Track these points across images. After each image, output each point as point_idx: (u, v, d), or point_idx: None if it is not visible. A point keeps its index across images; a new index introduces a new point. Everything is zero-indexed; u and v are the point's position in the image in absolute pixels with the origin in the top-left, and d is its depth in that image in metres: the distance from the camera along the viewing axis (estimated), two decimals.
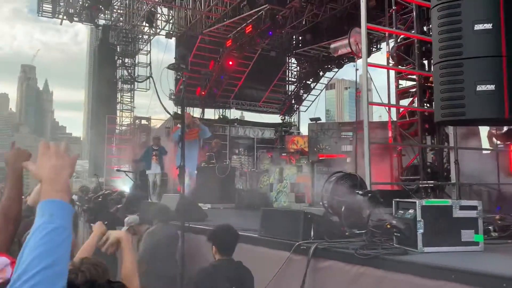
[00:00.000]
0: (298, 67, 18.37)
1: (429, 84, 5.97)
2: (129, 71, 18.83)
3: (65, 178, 1.11)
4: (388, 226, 3.33)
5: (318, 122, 13.00)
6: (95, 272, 1.40)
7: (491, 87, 3.29)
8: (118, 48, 18.62)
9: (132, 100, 19.21)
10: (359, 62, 7.04)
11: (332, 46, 12.97)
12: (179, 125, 8.08)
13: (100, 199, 7.90)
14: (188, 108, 15.62)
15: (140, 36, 18.53)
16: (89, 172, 19.08)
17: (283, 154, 14.40)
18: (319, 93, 18.30)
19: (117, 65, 18.76)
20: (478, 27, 3.36)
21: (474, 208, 3.20)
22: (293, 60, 18.28)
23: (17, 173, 1.70)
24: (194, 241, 5.02)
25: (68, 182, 1.12)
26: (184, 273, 4.52)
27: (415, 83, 6.30)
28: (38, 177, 1.12)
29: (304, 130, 17.85)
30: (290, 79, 18.43)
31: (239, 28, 13.76)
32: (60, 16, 16.28)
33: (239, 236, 3.52)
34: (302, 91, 18.05)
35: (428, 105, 6.08)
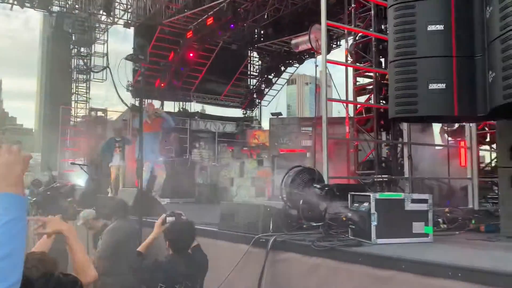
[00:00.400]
0: (260, 61, 18.42)
1: (385, 82, 6.16)
2: (85, 60, 18.20)
3: (17, 173, 1.12)
4: (344, 218, 3.43)
5: (279, 117, 13.13)
6: (46, 265, 1.37)
7: (442, 85, 3.43)
8: (73, 37, 17.94)
9: (87, 91, 18.60)
10: (319, 58, 7.15)
11: (293, 41, 13.10)
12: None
13: (49, 192, 7.65)
14: (147, 100, 15.32)
15: (97, 25, 17.92)
16: (42, 165, 18.34)
17: (244, 149, 14.47)
18: (281, 88, 18.45)
19: (72, 54, 18.09)
20: (431, 27, 3.49)
21: (424, 201, 3.35)
22: (255, 54, 18.32)
23: None
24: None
25: (21, 177, 1.13)
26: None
27: (372, 80, 6.48)
28: None
29: (265, 124, 17.99)
30: (252, 73, 18.46)
31: (200, 20, 13.61)
32: (11, 1, 15.46)
33: (195, 235, 3.44)
34: (263, 86, 18.14)
35: (384, 102, 6.28)
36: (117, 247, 4.46)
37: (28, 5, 15.93)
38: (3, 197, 1.06)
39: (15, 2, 15.50)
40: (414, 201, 3.33)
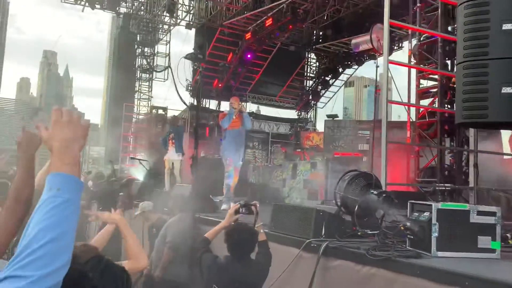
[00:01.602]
0: (317, 63, 18.19)
1: (451, 85, 5.82)
2: (148, 60, 18.93)
3: (75, 151, 1.09)
4: (402, 228, 3.25)
5: (335, 119, 12.88)
6: (90, 252, 1.39)
7: None
8: (138, 37, 18.72)
9: (150, 90, 19.32)
10: (380, 59, 6.89)
11: (353, 41, 12.80)
12: (226, 111, 7.21)
13: (108, 185, 8.05)
14: (204, 100, 15.65)
15: (160, 26, 18.58)
16: (105, 159, 19.30)
17: (297, 150, 14.34)
18: (338, 90, 18.16)
19: (137, 54, 18.87)
20: (506, 26, 3.23)
21: (492, 214, 3.10)
22: (313, 55, 18.11)
23: (29, 157, 1.69)
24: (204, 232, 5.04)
25: (78, 155, 1.10)
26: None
27: (436, 83, 6.15)
28: (48, 146, 1.10)
29: (320, 127, 17.74)
30: (308, 74, 18.27)
31: (259, 21, 13.67)
32: (82, 3, 16.41)
33: (256, 243, 3.16)
34: (320, 87, 17.89)
35: (449, 106, 5.93)
36: (182, 238, 4.58)
37: (98, 6, 16.83)
38: (58, 177, 1.03)
39: (86, 4, 16.44)
40: (480, 213, 3.09)
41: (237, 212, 3.34)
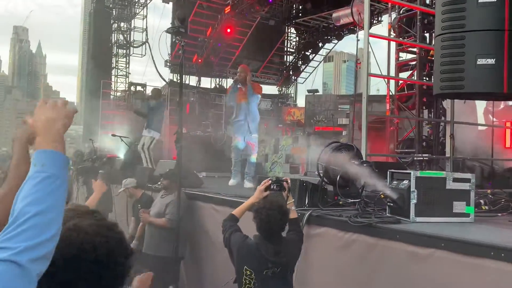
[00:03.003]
0: (297, 38, 18.12)
1: (429, 58, 5.94)
2: (125, 35, 18.49)
3: (58, 129, 1.12)
4: (382, 196, 3.39)
5: (315, 94, 12.96)
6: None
7: (492, 61, 3.28)
8: (114, 12, 18.22)
9: (127, 66, 18.95)
10: (361, 33, 6.94)
11: (334, 15, 12.77)
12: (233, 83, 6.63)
13: (89, 163, 8.00)
14: (184, 76, 15.47)
15: (137, 0, 18.09)
16: (84, 137, 19.01)
17: (279, 125, 14.43)
18: (317, 65, 18.16)
19: (113, 29, 18.40)
20: (482, 0, 3.32)
21: (467, 180, 3.26)
22: (293, 30, 18.00)
23: (26, 149, 1.72)
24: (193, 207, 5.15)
25: (61, 134, 1.13)
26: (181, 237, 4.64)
27: (415, 56, 6.26)
28: (34, 129, 1.14)
29: (300, 102, 17.81)
30: (288, 49, 18.20)
31: None
32: None
33: (286, 221, 2.97)
34: (300, 62, 17.88)
35: (427, 78, 6.06)
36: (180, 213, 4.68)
37: None
38: (42, 154, 1.06)
39: None
40: (456, 180, 3.25)
41: (267, 188, 3.16)
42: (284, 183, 3.20)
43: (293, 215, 3.10)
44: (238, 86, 6.37)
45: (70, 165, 9.56)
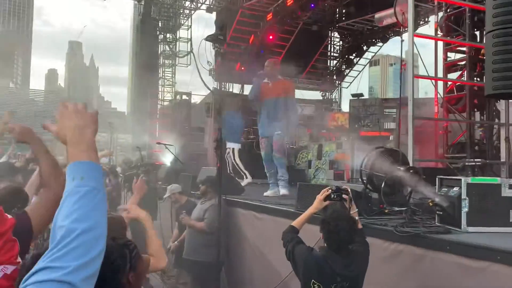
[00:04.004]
0: (340, 42, 17.84)
1: (480, 57, 5.61)
2: (171, 46, 19.00)
3: (89, 137, 1.07)
4: (431, 203, 3.20)
5: (360, 98, 12.66)
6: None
7: None
8: (159, 23, 18.79)
9: (173, 76, 19.45)
10: (406, 34, 6.70)
11: (377, 16, 12.45)
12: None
13: (134, 170, 8.22)
14: (227, 83, 15.64)
15: (181, 11, 18.56)
16: (132, 145, 19.68)
17: (322, 131, 14.21)
18: (362, 69, 17.77)
19: (159, 40, 18.97)
20: None
21: None
22: (336, 34, 17.75)
23: (44, 150, 1.76)
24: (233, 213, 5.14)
25: (93, 141, 1.08)
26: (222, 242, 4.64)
27: (464, 55, 5.93)
28: (61, 139, 1.09)
29: (345, 107, 17.47)
30: (332, 54, 17.95)
31: (280, 1, 13.46)
32: None
33: (355, 231, 2.80)
34: (344, 67, 17.58)
35: (478, 79, 5.73)
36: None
37: None
38: (79, 166, 1.01)
39: None
40: None
41: (327, 198, 3.02)
42: (345, 192, 3.02)
43: (359, 225, 2.94)
44: (264, 81, 5.74)
45: (119, 173, 9.90)
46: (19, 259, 1.47)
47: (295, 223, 3.05)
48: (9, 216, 1.51)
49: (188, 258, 5.04)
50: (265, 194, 5.72)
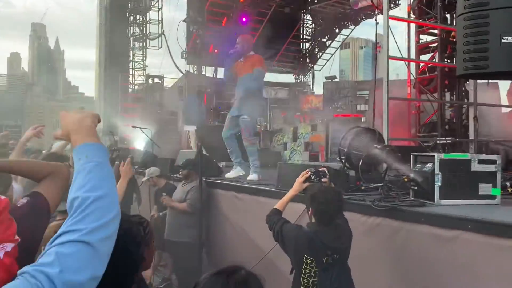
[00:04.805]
0: (313, 24, 17.91)
1: (450, 39, 5.81)
2: (141, 28, 18.59)
3: (88, 125, 1.18)
4: (406, 179, 3.35)
5: (333, 80, 12.85)
6: None
7: None
8: (129, 5, 18.31)
9: (144, 59, 19.08)
10: (380, 17, 6.82)
11: None
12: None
13: (110, 154, 8.14)
14: (200, 66, 15.51)
15: None
16: (104, 130, 19.29)
17: (296, 114, 14.37)
18: (334, 52, 17.95)
19: (129, 22, 18.51)
20: None
21: (493, 162, 3.21)
22: (308, 17, 17.80)
23: None
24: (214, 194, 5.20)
25: (93, 128, 1.18)
26: (203, 223, 4.72)
27: (436, 38, 6.13)
28: (66, 133, 1.19)
29: (318, 90, 17.67)
30: (304, 37, 18.02)
31: None
32: None
33: (343, 205, 2.91)
34: (317, 50, 17.70)
35: (448, 60, 5.94)
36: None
37: None
38: (82, 148, 1.12)
39: None
40: (481, 161, 3.19)
41: (307, 180, 3.12)
42: (323, 174, 3.15)
43: None
44: (239, 60, 5.47)
45: None
46: (17, 237, 1.50)
47: (278, 205, 3.13)
48: (2, 197, 1.54)
49: (169, 239, 5.10)
50: (227, 175, 5.49)
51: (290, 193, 3.17)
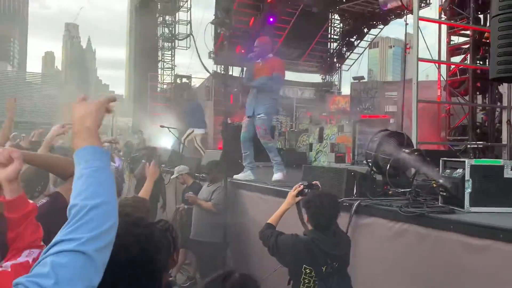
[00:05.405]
0: (341, 24, 17.71)
1: (483, 41, 5.63)
2: (170, 28, 18.84)
3: (89, 125, 1.14)
4: (435, 185, 3.27)
5: (361, 81, 12.68)
6: (138, 211, 1.43)
7: None
8: (159, 5, 18.59)
9: (172, 59, 19.34)
10: (409, 17, 6.68)
11: None
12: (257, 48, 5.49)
13: (136, 154, 8.35)
14: (227, 66, 15.58)
15: None
16: (133, 129, 19.67)
17: (323, 114, 14.26)
18: (363, 52, 17.70)
19: (158, 22, 18.79)
20: None
21: None
22: (336, 16, 17.62)
23: None
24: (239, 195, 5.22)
25: (92, 130, 1.14)
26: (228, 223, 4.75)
27: (468, 39, 5.95)
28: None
29: (345, 90, 17.49)
30: (332, 36, 17.84)
31: None
32: None
33: (339, 211, 2.85)
34: (344, 49, 17.50)
35: (481, 62, 5.76)
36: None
37: None
38: (81, 152, 1.09)
39: None
40: None
41: (300, 193, 3.05)
42: (316, 187, 3.12)
43: None
44: (256, 61, 5.45)
45: (121, 155, 9.96)
46: (42, 243, 1.51)
47: (271, 220, 3.05)
48: (31, 202, 1.56)
49: (195, 239, 5.15)
50: (235, 176, 5.46)
51: (283, 206, 3.09)
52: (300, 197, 3.04)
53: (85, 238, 0.95)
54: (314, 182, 3.20)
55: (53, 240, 0.96)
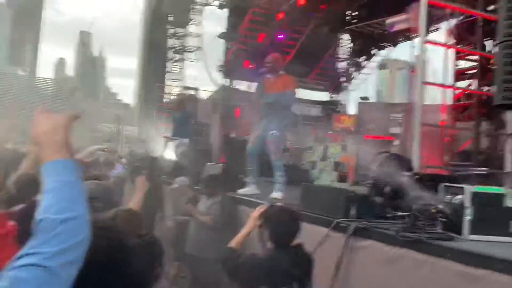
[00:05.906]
0: (351, 44, 17.81)
1: (489, 66, 5.62)
2: (180, 41, 19.05)
3: (58, 139, 1.10)
4: (434, 210, 3.22)
5: (367, 102, 12.68)
6: (131, 225, 1.41)
7: None
8: (170, 18, 18.84)
9: (181, 70, 19.52)
10: (417, 40, 6.69)
11: (388, 21, 12.44)
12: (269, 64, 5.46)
13: (137, 164, 8.32)
14: (235, 80, 15.68)
15: (193, 6, 18.60)
16: (138, 138, 19.74)
17: (328, 132, 14.23)
18: (370, 73, 17.75)
19: (169, 34, 19.01)
20: None
21: None
22: (346, 36, 17.73)
23: None
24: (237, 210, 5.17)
25: (62, 142, 1.10)
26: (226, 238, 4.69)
27: (475, 64, 5.94)
28: (37, 144, 1.12)
29: (352, 109, 17.48)
30: (341, 56, 17.93)
31: (292, 1, 13.49)
32: None
33: (300, 227, 2.77)
34: (353, 69, 17.56)
35: (488, 88, 5.74)
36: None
37: None
38: (51, 165, 1.06)
39: None
40: None
41: (264, 215, 2.88)
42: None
43: None
44: (267, 76, 5.46)
45: (124, 164, 9.95)
46: None
47: (233, 244, 2.86)
48: (11, 223, 1.51)
49: (191, 254, 5.08)
50: (239, 191, 5.42)
51: (245, 230, 2.92)
52: (262, 220, 2.88)
53: (51, 252, 0.93)
54: (277, 204, 3.15)
55: (18, 254, 0.94)
